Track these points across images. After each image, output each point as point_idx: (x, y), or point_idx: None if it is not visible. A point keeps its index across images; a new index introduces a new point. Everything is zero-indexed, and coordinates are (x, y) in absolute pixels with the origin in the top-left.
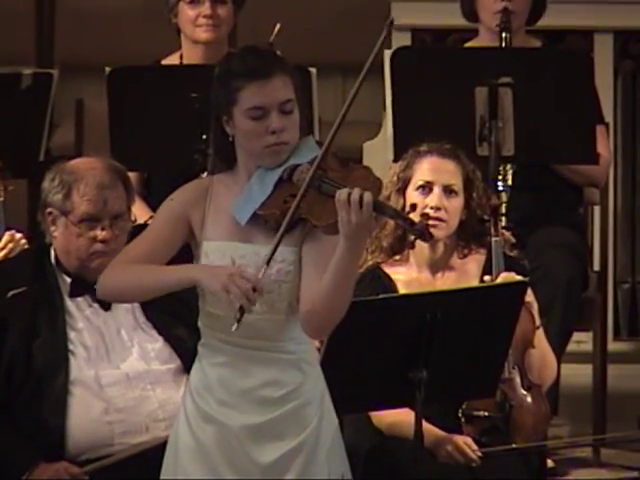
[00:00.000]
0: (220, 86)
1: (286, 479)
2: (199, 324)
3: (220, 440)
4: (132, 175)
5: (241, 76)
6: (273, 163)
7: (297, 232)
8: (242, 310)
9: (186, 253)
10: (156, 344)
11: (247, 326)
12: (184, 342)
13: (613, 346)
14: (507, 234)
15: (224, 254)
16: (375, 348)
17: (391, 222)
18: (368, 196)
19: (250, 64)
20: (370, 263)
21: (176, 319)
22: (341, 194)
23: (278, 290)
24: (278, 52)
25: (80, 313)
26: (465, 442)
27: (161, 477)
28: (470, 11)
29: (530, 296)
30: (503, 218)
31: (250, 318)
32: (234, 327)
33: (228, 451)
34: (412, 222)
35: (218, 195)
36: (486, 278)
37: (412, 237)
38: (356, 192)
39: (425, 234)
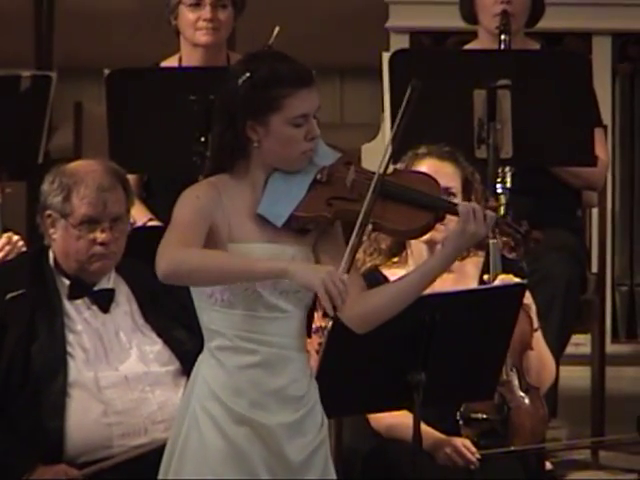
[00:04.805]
0: (258, 91)
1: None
2: (212, 328)
3: (254, 440)
4: (131, 177)
5: (290, 83)
6: (302, 167)
7: (313, 233)
8: (335, 311)
9: None
10: (155, 346)
11: (280, 323)
12: (183, 344)
13: (611, 348)
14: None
15: (254, 255)
16: (373, 350)
17: None
18: (492, 212)
19: (298, 71)
20: (368, 265)
21: (175, 322)
22: (465, 206)
23: (304, 289)
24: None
25: (79, 315)
26: (463, 444)
27: None
28: (469, 13)
29: (528, 298)
30: None
31: (281, 315)
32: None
33: (263, 451)
34: (521, 240)
35: (231, 196)
36: (485, 277)
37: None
38: (480, 207)
39: (530, 247)
